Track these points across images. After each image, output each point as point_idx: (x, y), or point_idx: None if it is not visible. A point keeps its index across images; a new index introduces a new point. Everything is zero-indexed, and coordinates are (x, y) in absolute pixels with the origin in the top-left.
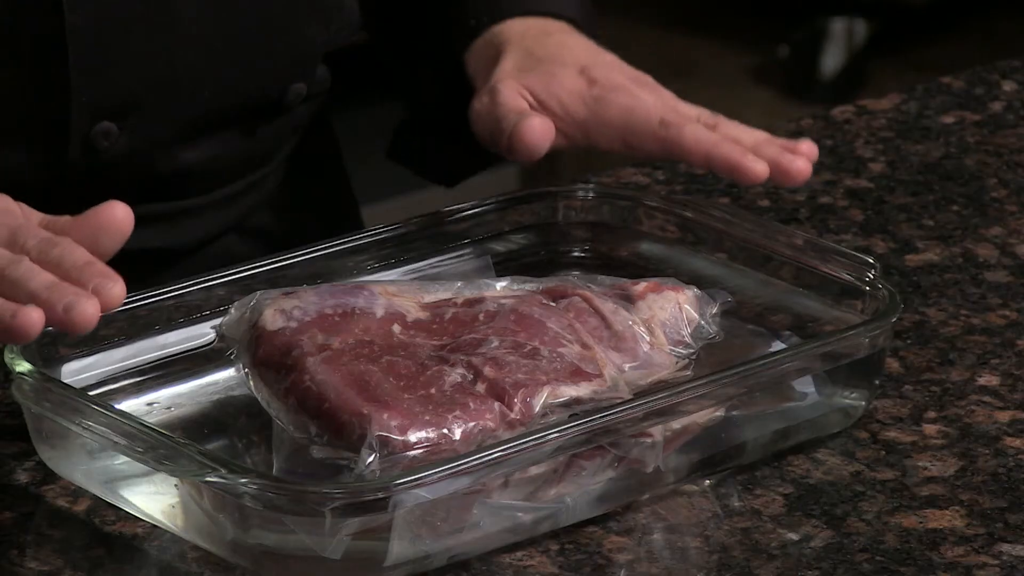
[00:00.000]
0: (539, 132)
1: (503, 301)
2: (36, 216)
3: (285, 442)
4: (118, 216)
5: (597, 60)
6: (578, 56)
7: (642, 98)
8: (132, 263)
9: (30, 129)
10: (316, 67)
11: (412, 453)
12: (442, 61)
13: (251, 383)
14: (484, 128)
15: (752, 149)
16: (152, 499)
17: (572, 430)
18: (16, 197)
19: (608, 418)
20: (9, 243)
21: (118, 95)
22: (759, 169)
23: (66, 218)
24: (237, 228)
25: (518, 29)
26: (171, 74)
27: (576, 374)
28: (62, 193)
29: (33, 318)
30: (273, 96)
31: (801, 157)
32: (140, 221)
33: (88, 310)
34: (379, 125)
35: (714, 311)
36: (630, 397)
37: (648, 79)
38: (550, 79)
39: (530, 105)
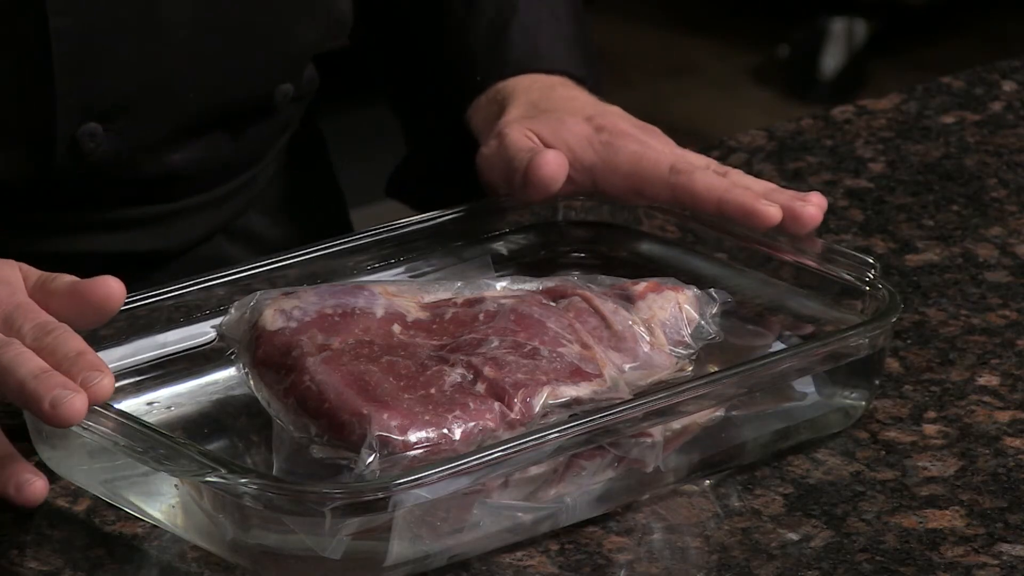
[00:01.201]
0: (554, 165)
1: (503, 301)
2: (35, 276)
3: (285, 442)
4: (109, 292)
5: (603, 110)
6: (584, 106)
7: (651, 145)
8: (121, 265)
9: (16, 130)
10: (304, 69)
11: (412, 453)
12: (445, 110)
13: (251, 383)
14: (494, 172)
15: (762, 196)
16: (152, 499)
17: (572, 430)
18: (3, 198)
19: (608, 418)
20: (4, 323)
21: (104, 97)
22: (772, 212)
23: (65, 281)
24: (226, 230)
25: (523, 84)
26: (158, 76)
27: (576, 374)
28: (50, 195)
29: (37, 487)
30: (261, 98)
31: (811, 204)
32: (128, 224)
33: (75, 405)
34: (367, 127)
35: (714, 311)
36: (630, 397)
37: (655, 129)
38: (558, 125)
39: None
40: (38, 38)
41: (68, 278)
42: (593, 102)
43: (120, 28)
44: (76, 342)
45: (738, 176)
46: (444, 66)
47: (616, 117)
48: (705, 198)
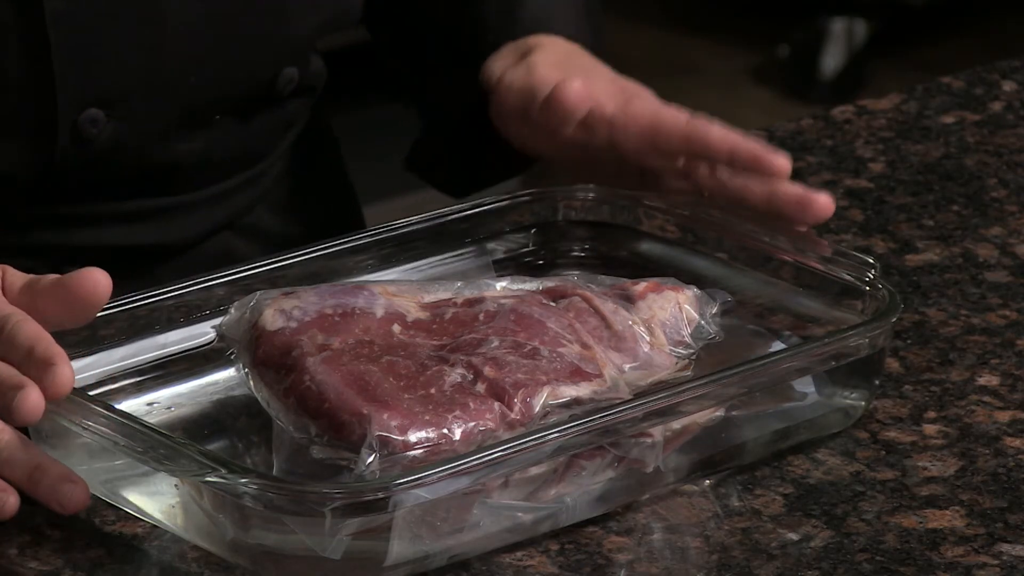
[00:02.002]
0: (581, 92)
1: (503, 301)
2: (20, 281)
3: (285, 442)
4: (95, 284)
5: (622, 77)
6: (606, 71)
7: (669, 105)
8: (126, 259)
9: (17, 117)
10: (308, 53)
11: (412, 453)
12: (458, 77)
13: (251, 383)
14: (513, 96)
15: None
16: (152, 499)
17: (572, 430)
18: (7, 189)
19: (608, 418)
20: None
21: (104, 81)
22: (781, 162)
23: (49, 279)
24: (232, 226)
25: (547, 40)
26: (158, 60)
27: (576, 374)
28: (54, 186)
29: (78, 496)
30: (264, 82)
31: (821, 198)
32: (134, 216)
33: (30, 401)
34: (379, 126)
35: (714, 311)
36: (630, 397)
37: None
38: (584, 75)
39: None
40: (35, 22)
41: (52, 276)
42: (611, 70)
43: (118, 12)
44: (28, 331)
45: None
46: (456, 33)
47: (638, 86)
48: (718, 147)
